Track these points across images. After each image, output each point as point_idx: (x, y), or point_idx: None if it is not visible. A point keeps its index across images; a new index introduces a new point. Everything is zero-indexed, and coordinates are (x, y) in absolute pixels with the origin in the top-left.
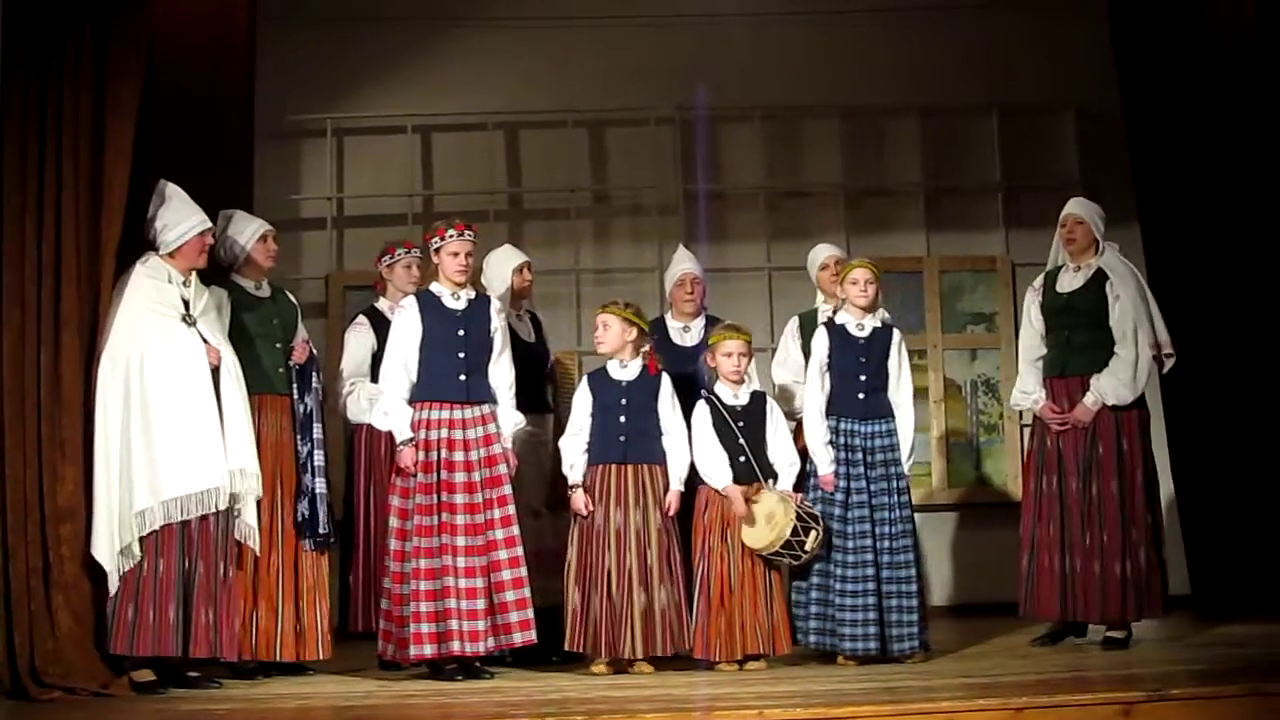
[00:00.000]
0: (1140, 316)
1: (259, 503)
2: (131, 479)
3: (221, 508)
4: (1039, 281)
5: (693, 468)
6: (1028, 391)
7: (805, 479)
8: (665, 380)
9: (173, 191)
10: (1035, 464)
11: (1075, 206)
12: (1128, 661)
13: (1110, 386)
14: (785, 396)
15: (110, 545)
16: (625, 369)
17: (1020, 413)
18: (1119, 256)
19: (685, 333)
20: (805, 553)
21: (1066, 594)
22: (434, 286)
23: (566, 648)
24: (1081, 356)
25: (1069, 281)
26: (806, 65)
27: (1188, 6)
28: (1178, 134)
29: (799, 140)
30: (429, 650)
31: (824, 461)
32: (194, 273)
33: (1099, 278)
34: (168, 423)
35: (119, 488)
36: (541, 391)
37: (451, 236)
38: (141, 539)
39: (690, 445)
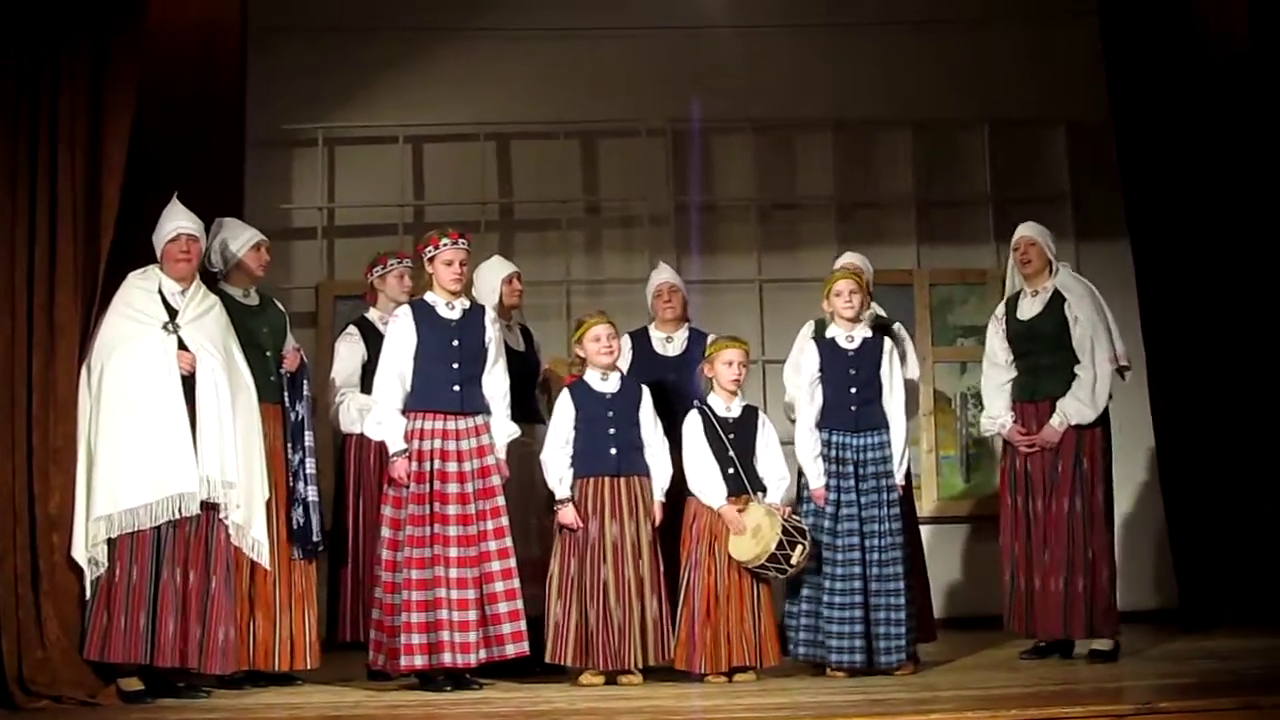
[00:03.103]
0: (1097, 333)
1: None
2: (94, 485)
3: (190, 514)
4: (1000, 310)
5: (677, 479)
6: (994, 417)
7: (799, 492)
8: (645, 392)
9: (172, 202)
10: (1007, 483)
11: (1027, 229)
12: (1117, 675)
13: (1074, 407)
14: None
15: (83, 552)
16: (607, 381)
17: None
18: (1073, 274)
19: (668, 343)
20: (791, 566)
21: (1032, 610)
22: (428, 296)
23: (547, 660)
24: (1050, 379)
25: (1028, 308)
26: (798, 78)
27: (1179, 20)
28: (1168, 147)
29: (790, 152)
30: (419, 661)
31: (814, 475)
32: (197, 281)
33: (1056, 300)
34: (128, 429)
35: (86, 494)
36: (532, 402)
37: (446, 245)
38: (111, 545)
39: (683, 457)
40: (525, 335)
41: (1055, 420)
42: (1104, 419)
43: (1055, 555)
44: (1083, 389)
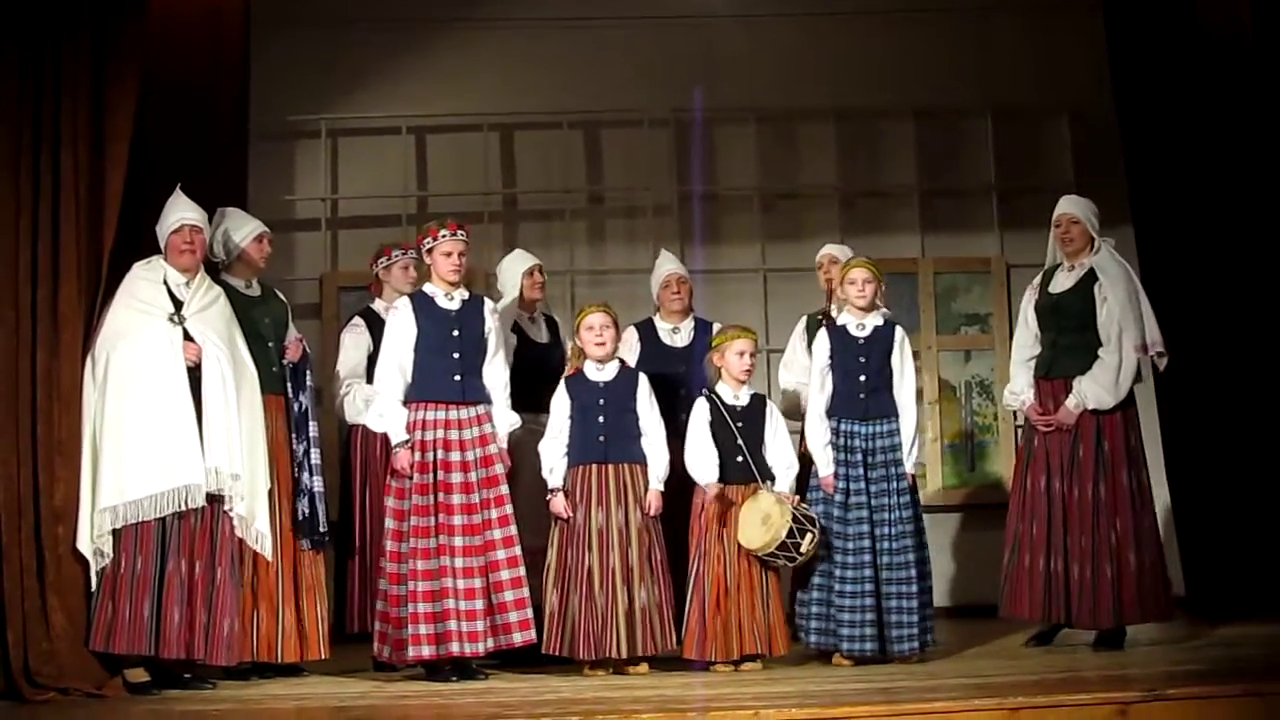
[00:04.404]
0: (1128, 319)
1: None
2: (100, 477)
3: (195, 506)
4: (1037, 280)
5: (684, 468)
6: (1016, 392)
7: (807, 480)
8: (643, 380)
9: (175, 193)
10: (1023, 462)
11: (1069, 205)
12: (1123, 662)
13: (1091, 391)
14: (791, 398)
15: (88, 543)
16: (602, 370)
17: (1014, 413)
18: (1113, 254)
19: (675, 334)
20: (801, 555)
21: (1047, 595)
22: (427, 287)
23: (543, 650)
24: (1068, 358)
25: (1061, 282)
26: (801, 67)
27: (1183, 10)
28: (1172, 137)
29: (794, 142)
30: (427, 651)
31: (824, 463)
32: (201, 273)
33: (1089, 279)
34: (134, 420)
35: (92, 485)
36: (551, 392)
37: (444, 236)
38: (116, 536)
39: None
40: (550, 326)
41: (1071, 402)
42: (1129, 400)
43: (1078, 542)
44: (1105, 373)
